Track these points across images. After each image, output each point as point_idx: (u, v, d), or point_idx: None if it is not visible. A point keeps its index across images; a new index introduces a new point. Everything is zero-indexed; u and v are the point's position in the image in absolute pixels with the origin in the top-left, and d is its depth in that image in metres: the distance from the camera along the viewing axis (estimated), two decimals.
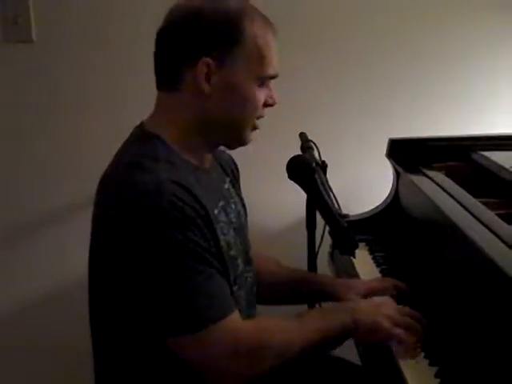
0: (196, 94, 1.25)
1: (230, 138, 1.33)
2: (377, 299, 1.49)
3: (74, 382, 2.29)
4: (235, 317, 1.21)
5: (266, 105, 1.31)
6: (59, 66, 2.24)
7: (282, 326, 1.28)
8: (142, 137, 1.29)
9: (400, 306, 1.41)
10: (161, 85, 1.31)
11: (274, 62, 1.29)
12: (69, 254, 2.29)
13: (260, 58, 1.26)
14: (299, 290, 1.60)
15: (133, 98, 2.20)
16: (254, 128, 1.33)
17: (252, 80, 1.27)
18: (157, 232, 1.15)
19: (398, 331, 1.31)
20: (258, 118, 1.32)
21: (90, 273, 1.29)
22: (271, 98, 1.31)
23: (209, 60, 1.23)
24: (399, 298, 1.54)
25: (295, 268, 1.66)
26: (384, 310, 1.34)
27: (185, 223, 1.16)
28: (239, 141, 1.34)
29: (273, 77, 1.30)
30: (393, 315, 1.33)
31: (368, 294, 1.55)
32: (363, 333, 1.30)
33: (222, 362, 1.19)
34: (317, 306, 1.65)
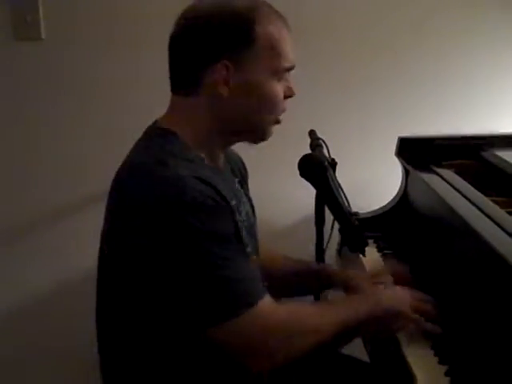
0: (215, 97, 1.26)
1: (253, 135, 1.34)
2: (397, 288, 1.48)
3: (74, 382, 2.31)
4: (268, 299, 1.23)
5: (285, 97, 1.32)
6: (68, 64, 2.24)
7: (314, 311, 1.31)
8: (159, 134, 1.29)
9: (420, 293, 1.42)
10: (177, 89, 1.31)
11: (290, 55, 1.29)
12: (72, 251, 2.29)
13: (275, 53, 1.27)
14: (305, 281, 1.60)
15: (141, 96, 2.20)
16: (278, 122, 1.33)
17: (270, 76, 1.27)
18: (182, 225, 1.15)
19: (420, 320, 1.33)
20: (282, 112, 1.33)
21: (104, 271, 1.29)
22: (289, 89, 1.32)
23: (227, 62, 1.24)
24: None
25: (299, 259, 1.66)
26: (407, 298, 1.36)
27: (209, 214, 1.17)
28: (262, 137, 1.35)
29: (289, 69, 1.31)
30: (415, 303, 1.35)
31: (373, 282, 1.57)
32: (387, 320, 1.33)
33: (260, 344, 1.20)
34: (322, 295, 1.65)
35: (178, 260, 1.16)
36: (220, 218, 1.19)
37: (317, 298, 1.67)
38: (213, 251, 1.17)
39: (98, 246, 1.32)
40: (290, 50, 1.30)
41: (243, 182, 1.52)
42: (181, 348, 1.24)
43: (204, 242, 1.17)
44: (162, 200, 1.16)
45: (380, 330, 1.36)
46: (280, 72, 1.28)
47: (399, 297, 1.37)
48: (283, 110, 1.33)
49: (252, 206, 1.50)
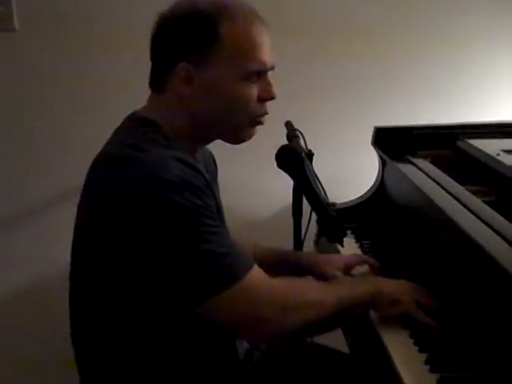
0: (179, 97, 1.27)
1: (226, 135, 1.34)
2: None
3: (53, 373, 2.29)
4: (258, 270, 1.23)
5: (261, 99, 1.29)
6: (41, 55, 2.22)
7: (316, 285, 1.32)
8: (139, 123, 1.29)
9: (422, 288, 1.42)
10: (151, 86, 1.33)
11: (261, 56, 1.26)
12: (51, 245, 2.27)
13: (242, 55, 1.25)
14: (279, 268, 1.60)
15: (117, 86, 2.18)
16: (255, 124, 1.32)
17: (237, 77, 1.26)
18: (168, 203, 1.15)
19: (417, 308, 1.34)
20: (262, 115, 1.31)
21: (80, 258, 1.28)
22: (266, 91, 1.29)
23: (186, 65, 1.24)
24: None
25: (271, 247, 1.67)
26: (405, 287, 1.37)
27: (193, 192, 1.17)
28: (236, 138, 1.34)
29: (261, 71, 1.28)
30: (413, 292, 1.36)
31: (347, 269, 1.59)
32: (386, 305, 1.33)
33: (251, 316, 1.20)
34: None
35: (163, 238, 1.16)
36: (204, 196, 1.19)
37: None
38: (197, 227, 1.17)
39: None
40: (261, 51, 1.26)
41: (213, 178, 1.51)
42: (168, 325, 1.24)
43: (189, 219, 1.16)
44: (147, 180, 1.16)
45: (379, 312, 1.36)
46: (249, 73, 1.26)
47: (400, 285, 1.38)
48: (263, 113, 1.31)
49: (219, 208, 1.48)
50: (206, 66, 1.24)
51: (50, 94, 2.25)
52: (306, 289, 1.29)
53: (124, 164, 1.19)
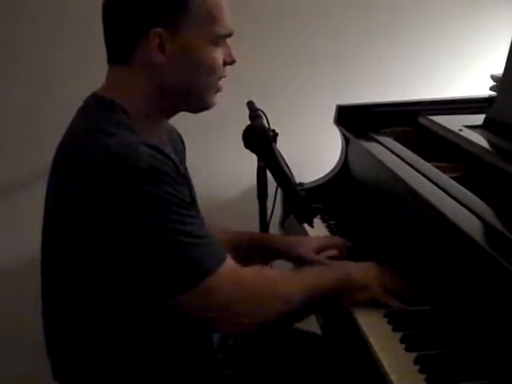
0: (151, 65, 1.22)
1: (193, 103, 1.31)
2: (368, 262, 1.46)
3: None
4: (231, 262, 1.21)
5: (225, 64, 1.29)
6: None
7: (284, 277, 1.30)
8: (100, 105, 1.24)
9: (388, 268, 1.41)
10: (113, 59, 1.27)
11: (226, 21, 1.27)
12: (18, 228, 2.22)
13: (211, 19, 1.24)
14: (250, 251, 1.59)
15: (86, 69, 2.12)
16: (218, 90, 1.30)
17: (207, 42, 1.24)
18: (140, 193, 1.12)
19: (386, 294, 1.33)
20: (219, 79, 1.30)
21: (51, 245, 1.24)
22: (229, 55, 1.30)
23: (160, 30, 1.20)
24: (350, 256, 1.56)
25: (242, 231, 1.64)
26: (374, 271, 1.36)
27: (165, 180, 1.14)
28: (203, 105, 1.31)
29: (227, 35, 1.28)
30: (381, 277, 1.35)
31: (319, 250, 1.58)
32: (355, 291, 1.33)
33: (225, 309, 1.18)
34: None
35: (134, 228, 1.13)
36: (176, 185, 1.16)
37: None
38: (171, 217, 1.14)
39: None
40: (226, 16, 1.27)
41: (182, 158, 1.48)
42: (141, 314, 1.22)
43: (162, 208, 1.13)
44: (116, 168, 1.12)
45: (348, 300, 1.34)
46: (217, 38, 1.25)
47: (369, 271, 1.37)
48: (222, 77, 1.30)
49: (190, 186, 1.45)
50: (178, 30, 1.21)
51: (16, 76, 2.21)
52: (277, 281, 1.28)
53: (91, 151, 1.15)
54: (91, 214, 1.14)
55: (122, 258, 1.15)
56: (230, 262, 1.21)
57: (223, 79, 1.31)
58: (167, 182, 1.14)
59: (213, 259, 1.17)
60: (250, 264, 1.60)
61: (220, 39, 1.26)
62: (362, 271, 1.36)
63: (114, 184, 1.12)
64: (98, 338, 1.23)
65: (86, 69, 2.08)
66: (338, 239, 1.65)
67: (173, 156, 1.22)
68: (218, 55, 1.27)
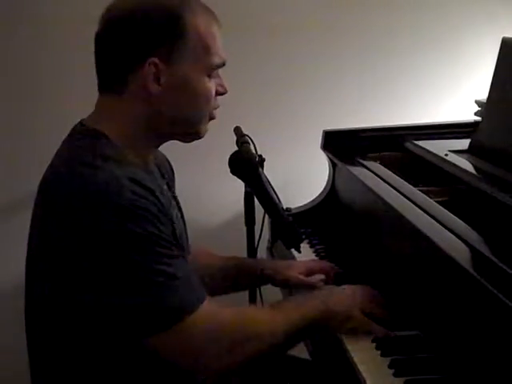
0: (146, 95, 1.22)
1: (186, 133, 1.30)
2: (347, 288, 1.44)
3: None
4: (209, 303, 1.19)
5: (217, 94, 1.29)
6: None
7: (265, 314, 1.27)
8: (87, 135, 1.23)
9: (370, 292, 1.40)
10: (105, 88, 1.26)
11: (220, 51, 1.27)
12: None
13: (205, 49, 1.24)
14: (237, 276, 1.58)
15: (71, 88, 2.13)
16: (211, 119, 1.30)
17: (201, 72, 1.24)
18: (118, 229, 1.11)
19: (368, 322, 1.32)
20: (214, 109, 1.30)
21: (34, 278, 1.23)
22: (221, 86, 1.30)
23: (155, 60, 1.20)
24: (338, 281, 1.55)
25: (227, 256, 1.63)
26: (357, 299, 1.35)
27: (147, 219, 1.13)
28: (196, 135, 1.31)
29: (221, 65, 1.28)
30: (364, 304, 1.34)
31: (307, 274, 1.57)
32: (338, 322, 1.31)
33: (202, 350, 1.17)
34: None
35: (114, 266, 1.11)
36: (158, 223, 1.15)
37: (252, 294, 1.66)
38: (150, 257, 1.13)
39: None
40: (220, 46, 1.27)
41: (171, 183, 1.47)
42: (118, 356, 1.20)
43: (142, 248, 1.12)
44: (98, 205, 1.11)
45: (334, 330, 1.34)
46: (210, 68, 1.25)
47: (349, 298, 1.35)
48: (216, 107, 1.30)
49: (180, 209, 1.45)
50: (173, 60, 1.21)
51: None
52: (255, 320, 1.25)
53: (75, 185, 1.14)
54: (73, 250, 1.13)
55: (100, 293, 1.13)
56: (207, 303, 1.19)
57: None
58: (149, 220, 1.13)
59: (192, 299, 1.16)
60: (238, 289, 1.61)
61: (214, 70, 1.26)
62: (342, 300, 1.34)
63: (95, 222, 1.11)
64: (79, 371, 1.21)
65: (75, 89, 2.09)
66: (325, 263, 1.65)
67: (158, 190, 1.20)
68: (211, 86, 1.26)
